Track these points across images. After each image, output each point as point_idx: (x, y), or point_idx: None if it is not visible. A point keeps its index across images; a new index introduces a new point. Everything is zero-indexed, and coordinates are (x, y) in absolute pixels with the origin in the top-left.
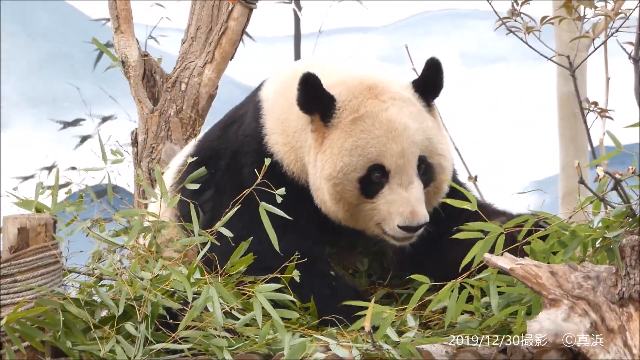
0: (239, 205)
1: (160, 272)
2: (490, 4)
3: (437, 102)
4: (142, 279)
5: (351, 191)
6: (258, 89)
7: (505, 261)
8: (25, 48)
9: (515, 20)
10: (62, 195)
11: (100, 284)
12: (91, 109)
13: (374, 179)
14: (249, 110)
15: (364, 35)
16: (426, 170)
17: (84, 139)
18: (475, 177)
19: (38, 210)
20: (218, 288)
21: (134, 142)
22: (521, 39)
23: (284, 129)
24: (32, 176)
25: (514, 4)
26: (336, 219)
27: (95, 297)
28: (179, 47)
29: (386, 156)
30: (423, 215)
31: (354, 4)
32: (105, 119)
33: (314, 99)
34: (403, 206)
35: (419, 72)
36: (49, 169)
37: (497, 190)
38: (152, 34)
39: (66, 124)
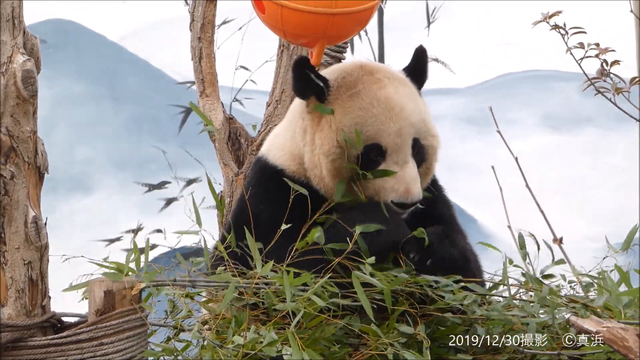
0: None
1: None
2: (579, 65)
3: (525, 160)
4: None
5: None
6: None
7: (590, 324)
8: (112, 111)
9: (605, 81)
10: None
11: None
12: (176, 171)
13: (371, 157)
14: (251, 172)
15: (447, 96)
16: (419, 151)
17: (168, 201)
18: (561, 239)
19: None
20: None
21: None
22: (610, 100)
23: (283, 143)
24: (118, 239)
25: (604, 65)
26: (333, 194)
27: None
28: (264, 110)
29: (384, 135)
30: (417, 193)
31: (438, 66)
32: (190, 182)
33: (308, 80)
34: (399, 183)
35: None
36: (135, 231)
37: (583, 251)
38: (237, 96)
39: (151, 187)
